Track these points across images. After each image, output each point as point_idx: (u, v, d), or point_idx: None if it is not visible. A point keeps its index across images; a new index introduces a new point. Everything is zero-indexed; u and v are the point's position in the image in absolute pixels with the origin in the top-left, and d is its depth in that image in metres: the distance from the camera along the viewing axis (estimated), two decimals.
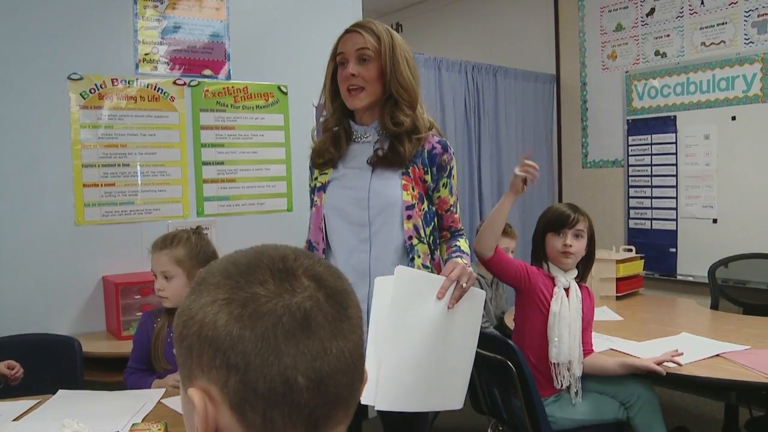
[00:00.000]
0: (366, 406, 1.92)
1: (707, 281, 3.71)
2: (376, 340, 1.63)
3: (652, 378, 2.27)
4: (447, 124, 4.21)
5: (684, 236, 4.21)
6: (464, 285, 1.73)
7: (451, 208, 1.98)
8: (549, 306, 2.39)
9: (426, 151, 1.90)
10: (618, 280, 3.51)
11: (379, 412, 1.91)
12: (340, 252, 1.89)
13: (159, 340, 2.14)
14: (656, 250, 4.29)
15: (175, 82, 3.16)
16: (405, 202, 1.85)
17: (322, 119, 1.99)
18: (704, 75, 4.07)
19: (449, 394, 1.79)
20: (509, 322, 2.88)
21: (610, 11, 4.60)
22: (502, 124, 4.62)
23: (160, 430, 1.55)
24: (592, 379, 2.45)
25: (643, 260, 3.71)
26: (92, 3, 2.95)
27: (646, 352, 2.46)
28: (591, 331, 2.54)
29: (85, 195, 2.94)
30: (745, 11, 3.91)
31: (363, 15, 3.76)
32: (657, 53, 4.35)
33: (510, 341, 2.24)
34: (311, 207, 2.03)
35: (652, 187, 4.38)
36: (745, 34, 3.91)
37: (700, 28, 4.11)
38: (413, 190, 1.87)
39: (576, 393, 2.39)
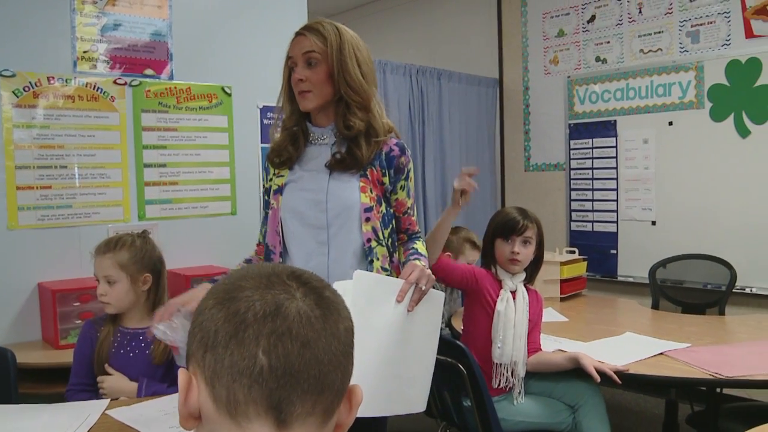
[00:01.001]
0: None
1: (647, 282, 3.81)
2: None
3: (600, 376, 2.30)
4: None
5: (624, 238, 4.32)
6: (423, 287, 1.72)
7: (409, 211, 1.96)
8: (495, 307, 2.41)
9: (384, 153, 1.88)
10: (562, 281, 3.57)
11: None
12: (298, 255, 1.86)
13: (103, 348, 2.05)
14: (597, 252, 4.38)
15: (115, 82, 3.06)
16: (363, 204, 1.83)
17: (280, 120, 1.94)
18: (643, 81, 4.18)
19: (412, 397, 1.77)
20: (457, 323, 2.89)
21: (553, 17, 4.68)
22: (446, 128, 4.64)
23: None
24: (540, 381, 2.48)
25: (586, 262, 3.79)
26: None
27: (593, 352, 2.50)
28: (539, 331, 2.57)
29: (19, 198, 2.81)
30: (680, 21, 4.04)
31: (308, 16, 3.73)
32: (598, 59, 4.45)
33: (459, 343, 2.24)
34: (266, 209, 1.98)
35: (593, 190, 4.48)
36: (680, 43, 4.04)
37: (639, 36, 4.23)
38: (371, 192, 1.85)
39: (519, 393, 2.42)
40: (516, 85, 4.97)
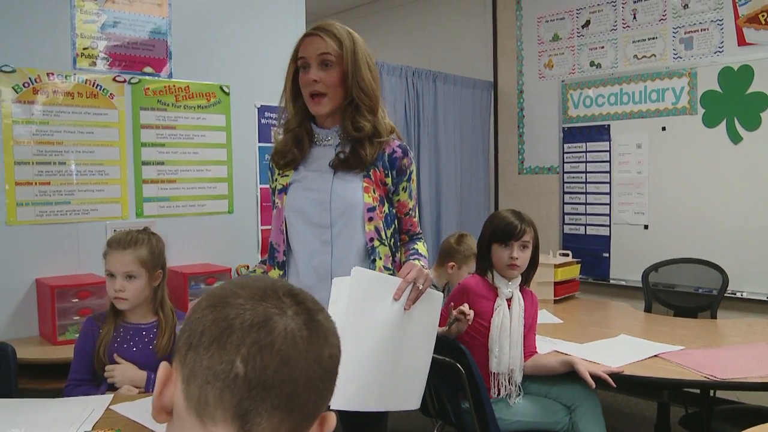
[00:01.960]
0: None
1: (639, 285, 3.85)
2: None
3: (594, 379, 2.33)
4: None
5: (617, 242, 4.36)
6: (420, 287, 1.74)
7: (410, 212, 1.99)
8: (491, 320, 2.41)
9: (387, 154, 1.90)
10: (556, 284, 3.60)
11: (338, 414, 1.90)
12: (301, 254, 1.88)
13: (103, 345, 2.05)
14: (590, 255, 4.42)
15: (114, 79, 3.06)
16: (366, 204, 1.85)
17: (283, 120, 1.96)
18: (636, 86, 4.22)
19: (406, 394, 1.80)
20: None
21: (548, 21, 4.72)
22: (441, 129, 4.67)
23: None
24: (537, 382, 2.50)
25: (579, 265, 3.83)
26: None
27: (588, 353, 2.53)
28: (534, 334, 2.59)
29: (18, 194, 2.81)
30: (674, 28, 4.08)
31: (306, 17, 3.74)
32: (592, 64, 4.49)
33: (461, 344, 2.26)
34: (273, 208, 1.99)
35: (586, 193, 4.52)
36: (674, 50, 4.09)
37: (633, 42, 4.27)
38: (374, 192, 1.87)
39: (517, 395, 2.44)
40: (510, 88, 5.00)
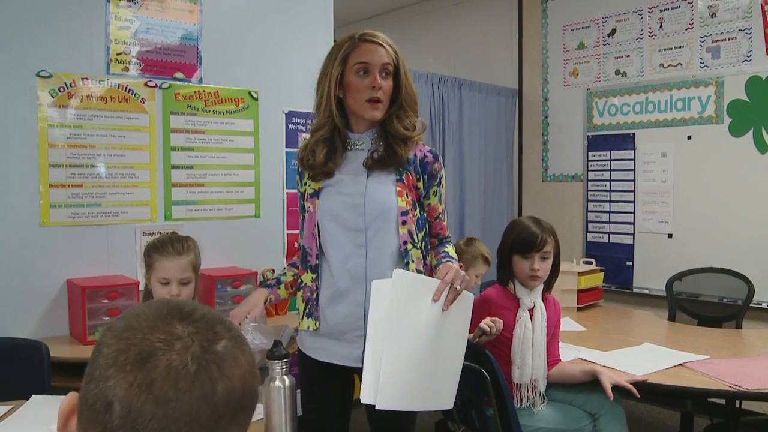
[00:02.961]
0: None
1: (662, 294, 3.83)
2: (374, 341, 1.66)
3: (617, 389, 2.33)
4: None
5: (640, 250, 4.35)
6: (458, 288, 1.76)
7: (440, 216, 2.02)
8: (513, 331, 2.41)
9: (418, 159, 1.95)
10: (579, 291, 3.60)
11: (369, 415, 1.93)
12: (336, 257, 1.91)
13: None
14: (613, 263, 4.41)
15: (146, 84, 3.12)
16: (400, 208, 1.89)
17: (323, 120, 1.96)
18: (662, 95, 4.22)
19: (442, 394, 1.82)
20: None
21: (573, 30, 4.73)
22: (465, 136, 4.69)
23: None
24: (561, 389, 2.50)
25: (603, 273, 3.82)
26: (64, 0, 2.89)
27: (612, 361, 2.53)
28: (558, 341, 2.59)
29: (52, 195, 2.87)
30: (701, 36, 4.07)
31: (334, 24, 3.79)
32: (617, 72, 4.49)
33: (486, 350, 2.27)
34: (303, 213, 2.02)
35: (610, 201, 4.51)
36: (701, 58, 4.07)
37: (659, 50, 4.27)
38: (407, 196, 1.91)
39: (542, 403, 2.44)
40: (535, 96, 5.01)
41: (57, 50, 2.88)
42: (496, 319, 2.31)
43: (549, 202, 4.90)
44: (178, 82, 3.23)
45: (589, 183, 4.63)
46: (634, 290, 4.36)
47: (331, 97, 1.90)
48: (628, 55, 4.42)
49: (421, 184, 1.95)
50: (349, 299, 1.88)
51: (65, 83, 2.89)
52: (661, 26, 4.26)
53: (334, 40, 3.82)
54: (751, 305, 3.53)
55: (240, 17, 3.46)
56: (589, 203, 4.64)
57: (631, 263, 4.39)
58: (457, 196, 4.63)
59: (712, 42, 4.03)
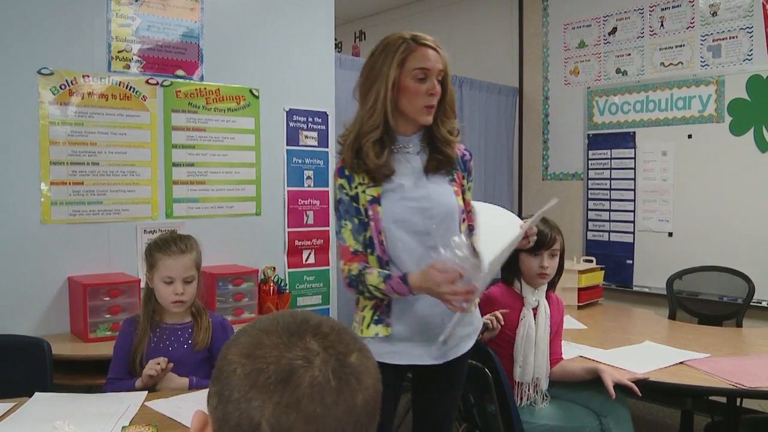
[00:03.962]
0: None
1: (662, 292, 3.84)
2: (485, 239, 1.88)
3: (621, 388, 2.33)
4: None
5: (640, 248, 4.35)
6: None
7: (471, 210, 2.11)
8: (516, 329, 2.41)
9: (459, 158, 2.03)
10: (580, 290, 3.61)
11: (414, 414, 2.14)
12: (408, 263, 1.90)
13: (141, 347, 2.09)
14: (613, 262, 4.41)
15: (147, 82, 3.12)
16: (460, 207, 1.99)
17: (373, 126, 1.92)
18: (662, 94, 4.22)
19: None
20: None
21: (574, 28, 4.73)
22: (465, 134, 4.65)
23: None
24: (563, 387, 2.51)
25: (603, 271, 3.82)
26: None
27: (613, 360, 2.54)
28: (560, 340, 2.59)
29: (53, 193, 2.87)
30: (702, 35, 4.08)
31: (335, 22, 3.78)
32: (618, 71, 4.49)
33: (489, 348, 2.27)
34: (352, 217, 1.94)
35: (610, 200, 4.52)
36: (701, 57, 4.08)
37: (660, 49, 4.27)
38: (461, 195, 2.02)
39: (543, 401, 2.44)
40: (536, 94, 5.01)
41: (58, 48, 2.87)
42: (499, 312, 2.32)
43: (549, 200, 4.88)
44: (179, 80, 3.23)
45: (590, 181, 4.63)
46: (635, 289, 4.37)
47: (387, 99, 1.87)
48: (629, 54, 4.43)
49: (465, 182, 2.05)
50: (424, 301, 1.89)
51: (66, 81, 2.89)
52: (662, 25, 4.26)
53: (335, 38, 3.83)
54: (751, 304, 3.53)
55: (241, 15, 3.45)
56: (589, 202, 4.64)
57: (631, 262, 4.39)
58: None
59: (713, 41, 4.03)
